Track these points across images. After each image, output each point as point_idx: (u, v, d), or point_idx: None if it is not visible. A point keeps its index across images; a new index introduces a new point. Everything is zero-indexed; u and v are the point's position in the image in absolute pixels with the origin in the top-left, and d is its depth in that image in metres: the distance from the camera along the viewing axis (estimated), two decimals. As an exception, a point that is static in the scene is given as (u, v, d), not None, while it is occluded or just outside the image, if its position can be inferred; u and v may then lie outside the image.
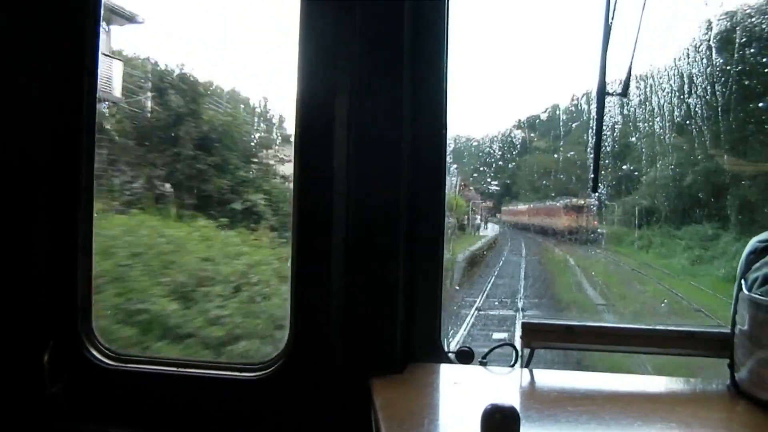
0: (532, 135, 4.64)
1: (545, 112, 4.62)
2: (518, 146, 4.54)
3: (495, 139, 4.44)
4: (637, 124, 3.44)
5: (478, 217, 4.96)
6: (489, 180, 4.69)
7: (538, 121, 4.68)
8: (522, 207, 5.56)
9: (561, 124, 4.20)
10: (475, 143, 4.43)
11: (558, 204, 5.02)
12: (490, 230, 5.30)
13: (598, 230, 4.50)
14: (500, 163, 4.53)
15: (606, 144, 2.84)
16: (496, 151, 4.45)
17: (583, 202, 4.59)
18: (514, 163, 4.71)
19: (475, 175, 4.55)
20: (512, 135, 4.56)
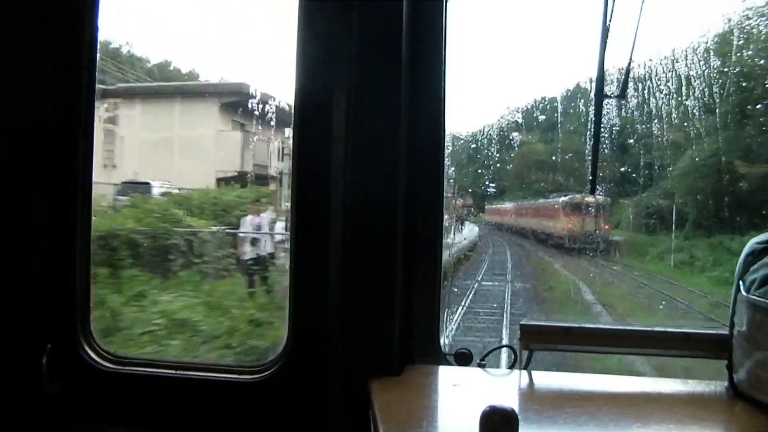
0: (522, 126, 3.94)
1: (536, 103, 4.06)
2: (507, 137, 3.82)
3: (481, 132, 3.74)
4: (667, 91, 2.79)
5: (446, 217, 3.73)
6: (469, 174, 3.82)
7: (528, 111, 4.00)
8: (509, 205, 4.50)
9: (557, 114, 3.65)
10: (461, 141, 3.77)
11: (556, 202, 3.96)
12: (468, 233, 4.11)
13: (609, 237, 3.45)
14: (486, 155, 3.70)
15: (610, 122, 2.54)
16: (482, 143, 3.70)
17: (591, 199, 3.50)
18: (501, 155, 3.85)
19: (454, 168, 3.64)
20: (500, 126, 3.85)
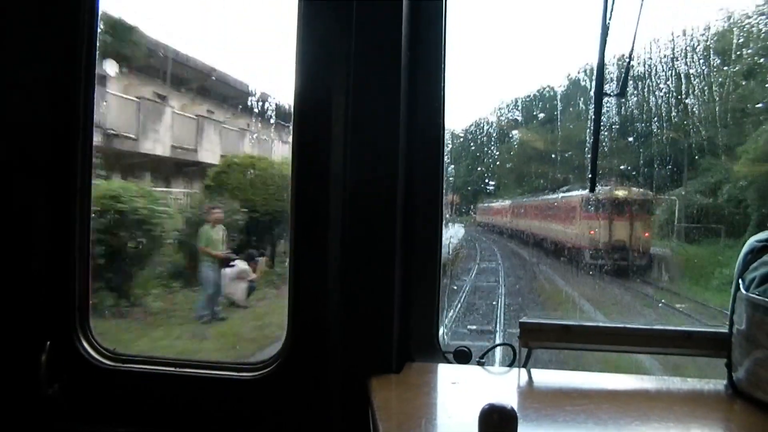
0: (521, 123, 3.42)
1: (534, 98, 3.65)
2: (504, 130, 3.30)
3: (477, 126, 3.29)
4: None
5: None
6: (461, 169, 3.17)
7: (528, 103, 3.53)
8: (505, 203, 3.54)
9: (557, 110, 3.18)
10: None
11: (571, 197, 2.90)
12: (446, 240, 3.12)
13: (651, 248, 2.43)
14: (480, 148, 3.13)
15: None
16: (476, 137, 3.19)
17: (623, 193, 2.52)
18: (497, 148, 3.20)
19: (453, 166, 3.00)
20: (497, 117, 3.38)
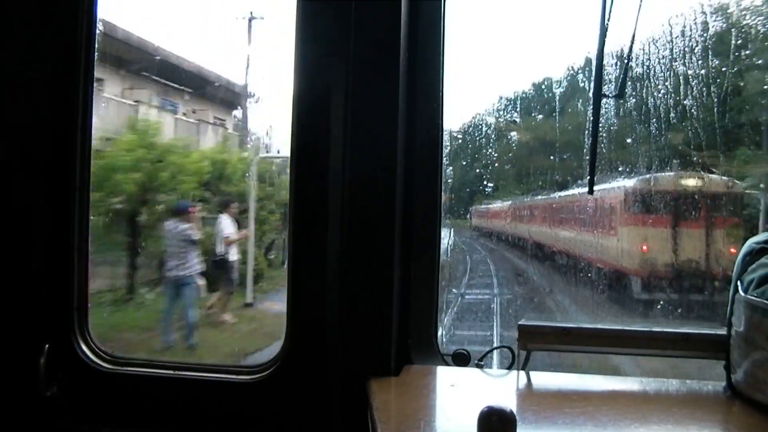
0: (519, 124, 3.34)
1: (528, 96, 3.64)
2: (498, 129, 3.12)
3: (472, 124, 3.18)
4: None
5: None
6: (456, 168, 2.89)
7: (521, 98, 3.44)
8: (503, 205, 2.79)
9: (556, 96, 3.05)
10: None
11: (609, 191, 1.97)
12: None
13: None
14: (476, 146, 2.87)
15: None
16: (472, 134, 2.99)
17: (695, 183, 1.73)
18: (495, 144, 2.92)
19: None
20: (495, 112, 3.26)
